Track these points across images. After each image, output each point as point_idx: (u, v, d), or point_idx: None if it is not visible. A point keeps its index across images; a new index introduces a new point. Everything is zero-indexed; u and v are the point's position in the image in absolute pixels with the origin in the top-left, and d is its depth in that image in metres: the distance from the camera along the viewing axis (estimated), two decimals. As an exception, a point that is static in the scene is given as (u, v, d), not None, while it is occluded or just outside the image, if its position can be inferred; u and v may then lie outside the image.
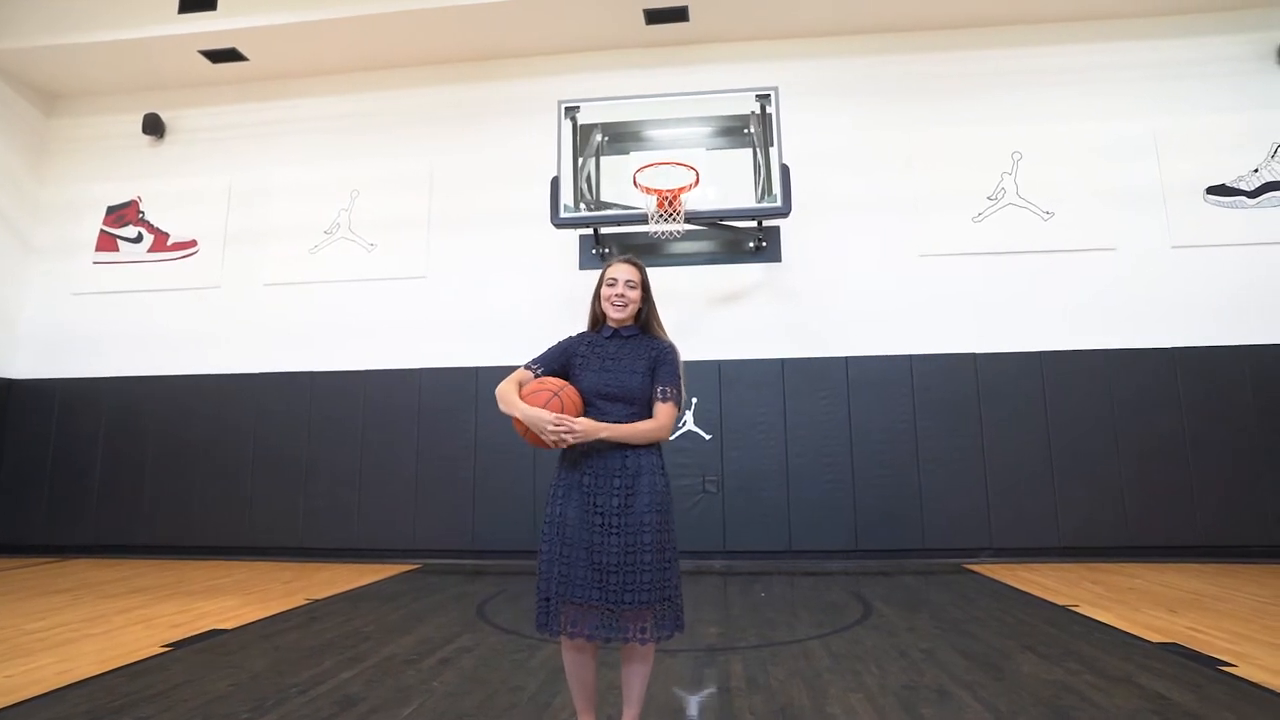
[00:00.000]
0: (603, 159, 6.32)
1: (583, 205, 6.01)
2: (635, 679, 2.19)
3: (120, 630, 3.84)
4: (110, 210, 7.66)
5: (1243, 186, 6.37)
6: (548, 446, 2.18)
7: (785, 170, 5.59)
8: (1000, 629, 3.68)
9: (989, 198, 6.57)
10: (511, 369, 7.35)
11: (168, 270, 7.39)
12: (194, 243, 7.41)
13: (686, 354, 7.39)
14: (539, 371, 2.28)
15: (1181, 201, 6.38)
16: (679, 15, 6.79)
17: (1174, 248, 6.32)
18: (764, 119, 5.89)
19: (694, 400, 6.46)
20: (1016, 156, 6.58)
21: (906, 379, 6.34)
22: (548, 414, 2.09)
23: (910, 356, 6.38)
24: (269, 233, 7.30)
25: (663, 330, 2.34)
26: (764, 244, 6.42)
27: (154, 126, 7.69)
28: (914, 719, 2.43)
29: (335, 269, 7.13)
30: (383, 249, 7.13)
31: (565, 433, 2.06)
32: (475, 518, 6.52)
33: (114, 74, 7.60)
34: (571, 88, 6.92)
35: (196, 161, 7.61)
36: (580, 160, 6.10)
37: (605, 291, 2.28)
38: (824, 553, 6.13)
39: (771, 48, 7.06)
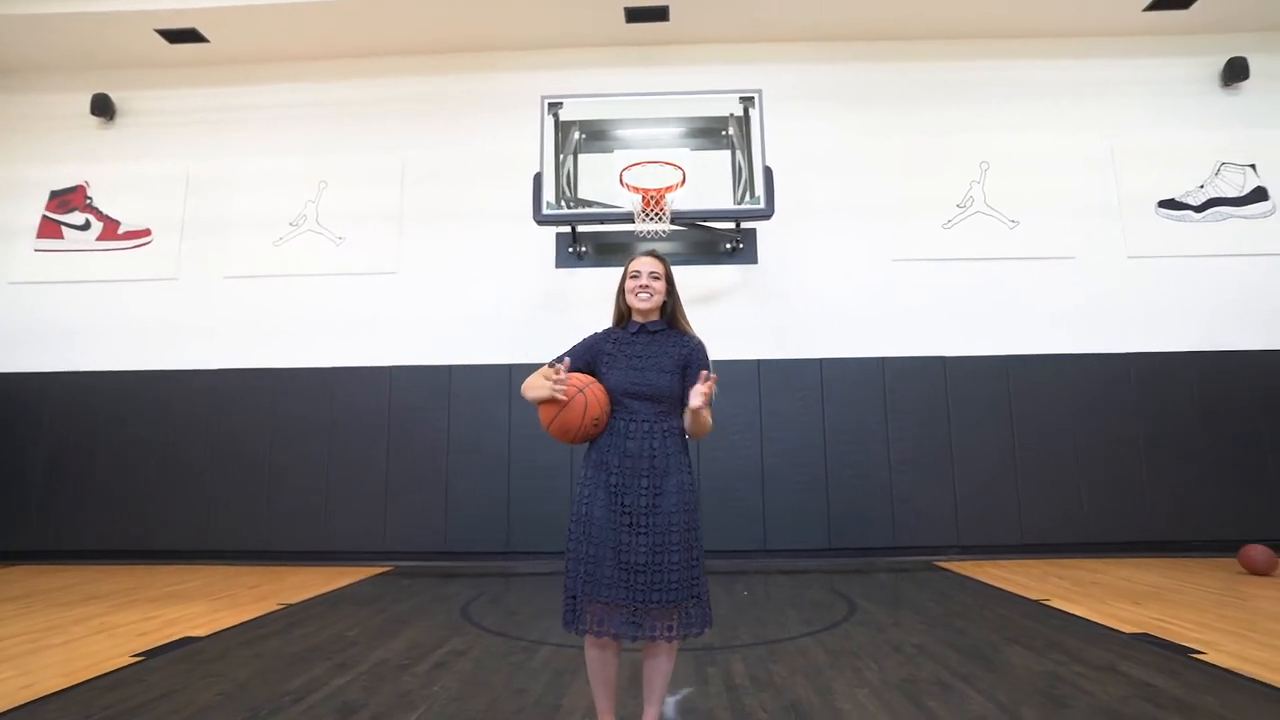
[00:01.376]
0: (580, 157, 6.29)
1: (562, 203, 5.96)
2: (657, 676, 2.18)
3: (82, 640, 3.63)
4: (54, 195, 7.23)
5: (1190, 201, 6.74)
6: (576, 438, 2.15)
7: (769, 173, 5.67)
8: (982, 623, 3.80)
9: (958, 205, 6.79)
10: (486, 367, 7.23)
11: (119, 260, 7.02)
12: (148, 232, 7.05)
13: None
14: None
15: (1136, 214, 6.71)
16: (659, 15, 6.79)
17: (1129, 258, 6.64)
18: (745, 121, 5.95)
19: (670, 400, 6.46)
20: (984, 166, 6.82)
21: (879, 381, 6.49)
22: (549, 378, 2.08)
23: (882, 359, 6.54)
24: (230, 223, 7.00)
25: (689, 325, 2.33)
26: (741, 245, 6.50)
27: (103, 107, 7.29)
28: (922, 711, 2.49)
29: (302, 263, 6.89)
30: (352, 243, 6.92)
31: (558, 383, 2.05)
32: (448, 519, 6.39)
33: (60, 49, 7.16)
34: (548, 84, 6.84)
35: (151, 146, 7.24)
36: (561, 157, 6.06)
37: (630, 284, 2.27)
38: (798, 551, 6.22)
39: (749, 51, 7.13)
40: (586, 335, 2.36)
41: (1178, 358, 6.39)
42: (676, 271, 7.13)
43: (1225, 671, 2.87)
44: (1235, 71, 6.86)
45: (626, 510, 2.10)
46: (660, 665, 2.18)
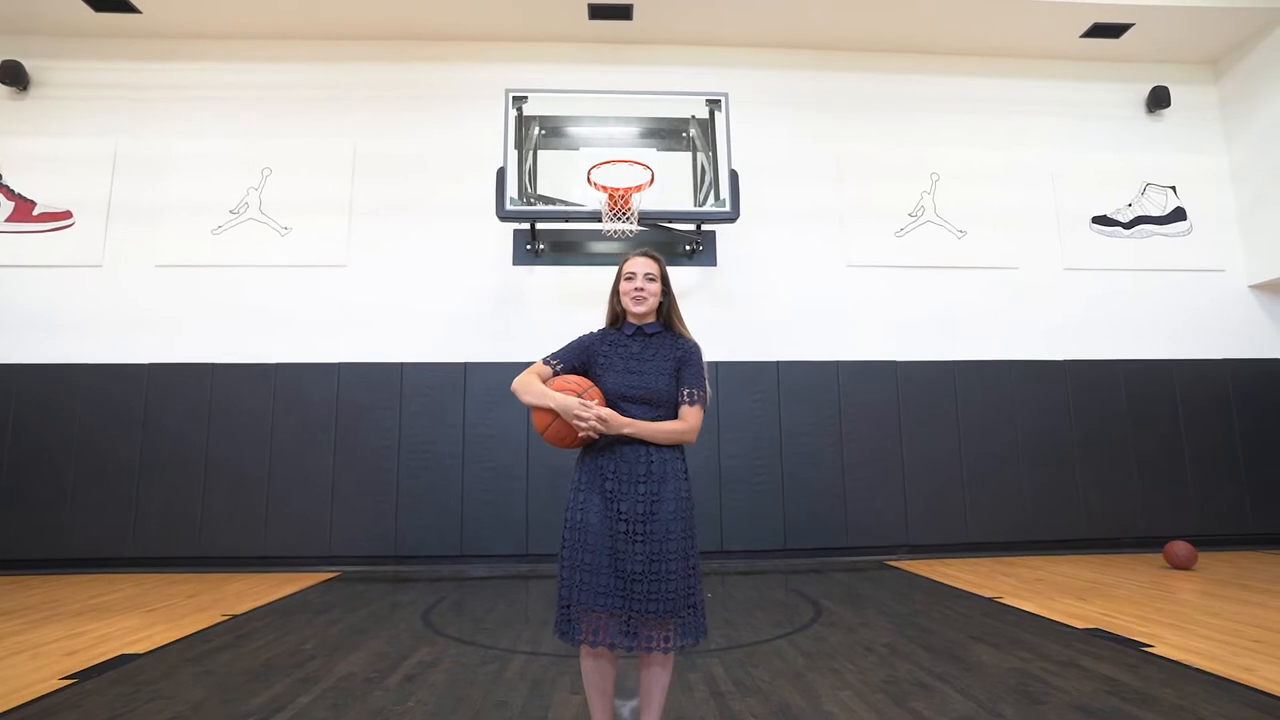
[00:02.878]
0: (539, 153, 6.17)
1: (524, 199, 5.83)
2: (655, 688, 2.13)
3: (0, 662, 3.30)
4: (-43, 170, 6.59)
5: (1119, 218, 7.16)
6: (572, 445, 2.10)
7: (734, 176, 5.69)
8: (945, 622, 3.92)
9: (910, 214, 7.00)
10: (439, 365, 7.02)
11: (33, 243, 6.44)
12: (68, 214, 6.51)
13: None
14: (559, 368, 2.18)
15: (1071, 228, 7.09)
16: (622, 13, 6.74)
17: (1066, 269, 7.01)
18: (711, 123, 5.97)
19: (629, 401, 6.42)
20: (935, 177, 7.06)
21: (833, 384, 6.62)
22: (576, 400, 2.01)
23: (837, 363, 6.67)
24: (163, 208, 6.54)
25: (684, 327, 2.28)
26: (700, 247, 6.54)
27: (15, 76, 6.68)
28: (909, 713, 2.53)
29: (243, 253, 6.50)
30: (298, 233, 6.58)
31: (594, 419, 1.98)
32: (398, 522, 6.16)
33: (-35, 12, 6.54)
34: (507, 77, 6.74)
35: (72, 121, 6.69)
36: (521, 152, 5.93)
37: (624, 286, 2.21)
38: (755, 552, 6.28)
39: (710, 54, 7.16)
40: (580, 334, 2.28)
41: (1108, 365, 6.78)
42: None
43: (1175, 664, 3.04)
44: (1158, 99, 7.34)
45: (623, 517, 2.04)
46: (658, 677, 2.13)
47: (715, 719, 2.52)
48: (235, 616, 4.19)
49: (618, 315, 2.26)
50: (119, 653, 3.41)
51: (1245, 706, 2.53)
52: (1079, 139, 7.29)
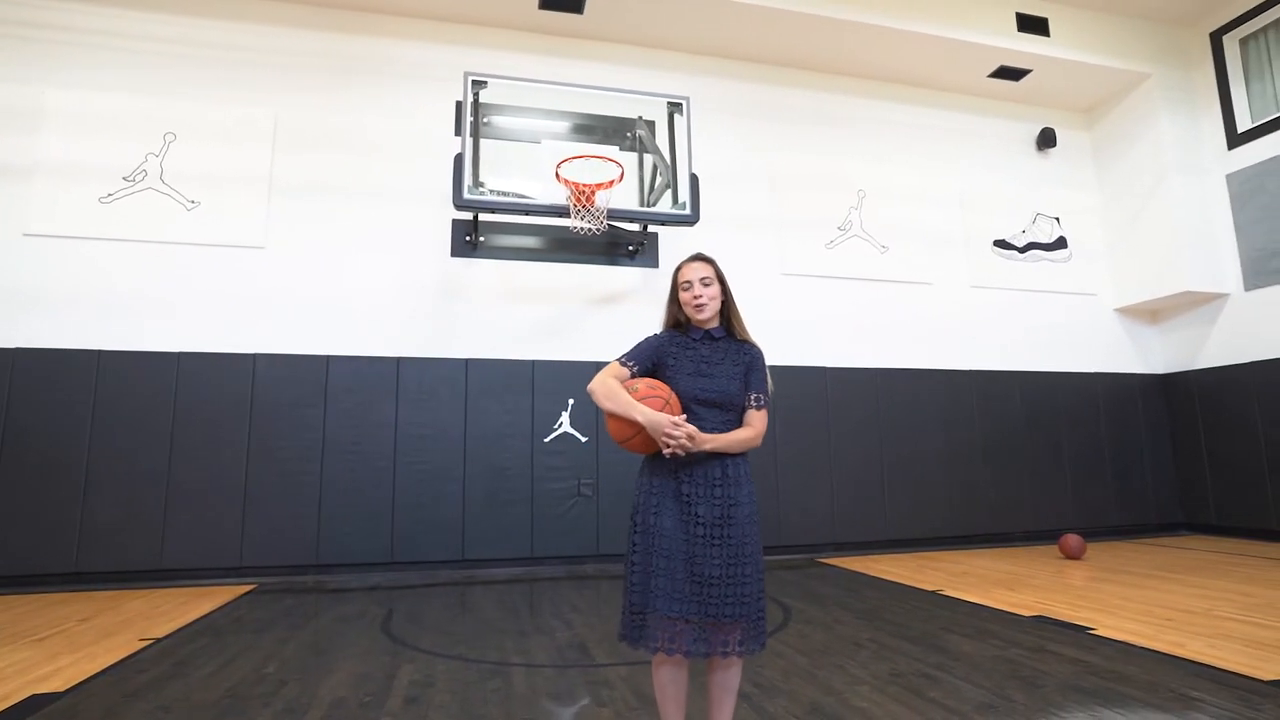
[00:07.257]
0: (480, 141, 5.93)
1: (475, 188, 5.58)
2: (726, 692, 2.10)
3: None
4: None
5: (1015, 243, 7.95)
6: (647, 452, 2.04)
7: (695, 180, 5.74)
8: (909, 615, 4.14)
9: (839, 228, 7.38)
10: (370, 360, 6.56)
11: None
12: (-94, 167, 5.43)
13: (559, 353, 7.15)
14: (635, 370, 2.12)
15: (977, 249, 7.78)
16: (573, 6, 6.60)
17: (972, 287, 7.67)
18: (670, 126, 6.00)
19: (570, 401, 6.32)
20: (861, 194, 7.49)
21: (770, 388, 6.82)
22: (667, 417, 1.96)
23: (771, 367, 6.86)
24: (35, 169, 5.60)
25: (746, 329, 2.27)
26: (644, 246, 6.59)
27: None
28: (930, 703, 2.65)
29: (139, 226, 5.70)
30: (208, 208, 5.87)
31: (685, 438, 1.94)
32: (321, 528, 5.66)
33: None
34: (449, 59, 6.52)
35: (-88, 57, 5.60)
36: (476, 140, 5.67)
37: (684, 296, 2.18)
38: (696, 552, 6.34)
39: (657, 57, 7.18)
40: (648, 335, 2.23)
41: (1006, 376, 7.50)
42: (577, 271, 7.08)
43: (1122, 644, 3.40)
44: (1047, 139, 8.23)
45: (700, 521, 2.01)
46: (728, 680, 2.10)
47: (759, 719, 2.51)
48: (159, 640, 3.66)
49: (678, 321, 2.23)
50: (28, 693, 2.86)
51: (1199, 678, 2.87)
52: (983, 168, 8.02)
